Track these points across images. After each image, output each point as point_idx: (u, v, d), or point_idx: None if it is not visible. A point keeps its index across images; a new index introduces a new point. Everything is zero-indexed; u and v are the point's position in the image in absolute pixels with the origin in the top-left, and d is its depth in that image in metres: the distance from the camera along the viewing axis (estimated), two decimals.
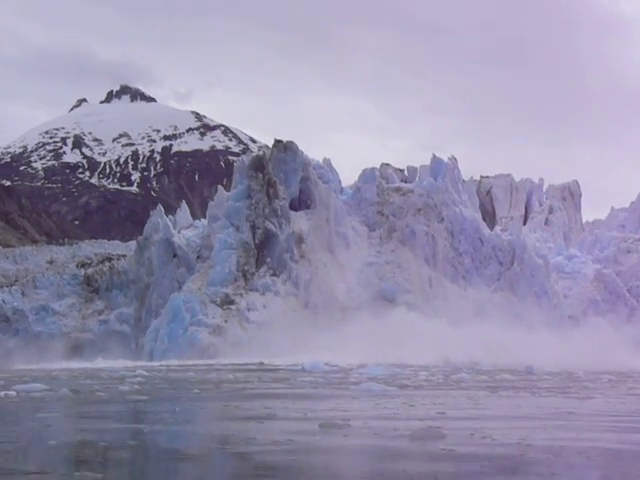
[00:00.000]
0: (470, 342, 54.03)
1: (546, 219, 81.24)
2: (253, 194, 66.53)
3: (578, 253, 76.36)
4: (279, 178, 68.03)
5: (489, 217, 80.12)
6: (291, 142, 69.81)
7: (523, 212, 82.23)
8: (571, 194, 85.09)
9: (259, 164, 67.49)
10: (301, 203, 69.74)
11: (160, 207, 75.37)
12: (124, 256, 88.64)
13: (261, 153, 68.88)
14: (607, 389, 29.32)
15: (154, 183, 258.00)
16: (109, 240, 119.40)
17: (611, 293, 73.02)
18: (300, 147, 70.33)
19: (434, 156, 75.40)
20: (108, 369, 44.54)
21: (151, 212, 79.59)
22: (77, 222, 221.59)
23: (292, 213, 67.97)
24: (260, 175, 66.97)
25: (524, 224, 79.67)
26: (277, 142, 69.69)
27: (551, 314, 69.35)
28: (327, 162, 73.67)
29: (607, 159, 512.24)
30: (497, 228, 76.61)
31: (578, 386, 30.34)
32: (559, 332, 66.52)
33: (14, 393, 21.89)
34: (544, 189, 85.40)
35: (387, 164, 79.02)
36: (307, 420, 16.21)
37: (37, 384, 24.31)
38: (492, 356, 50.41)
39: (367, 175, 73.22)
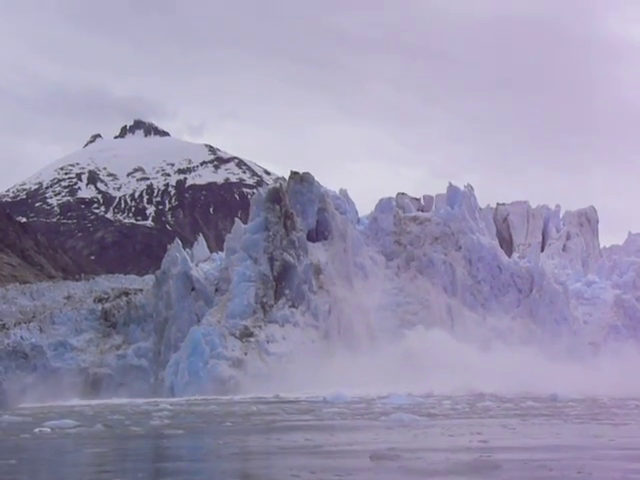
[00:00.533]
0: (493, 369, 53.79)
1: (564, 245, 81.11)
2: (270, 226, 66.71)
3: (597, 279, 76.15)
4: (296, 210, 68.24)
5: (506, 244, 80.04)
6: (307, 173, 70.12)
7: (540, 239, 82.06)
8: (588, 220, 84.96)
9: (276, 196, 67.75)
10: (318, 234, 69.89)
11: (178, 241, 75.63)
12: (141, 290, 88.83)
13: (278, 185, 69.12)
14: (637, 415, 29.14)
15: (169, 217, 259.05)
16: (125, 274, 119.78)
17: (631, 319, 72.72)
18: (315, 177, 70.68)
19: (450, 184, 75.62)
20: (129, 404, 44.50)
21: (168, 246, 79.89)
22: (93, 257, 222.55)
23: (309, 244, 68.12)
24: (277, 207, 67.19)
25: (542, 251, 79.51)
26: (293, 174, 70.00)
27: (571, 340, 69.07)
28: (344, 193, 73.91)
29: (623, 184, 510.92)
30: (515, 255, 76.53)
31: (607, 412, 30.14)
32: (580, 359, 66.26)
33: (48, 430, 21.92)
34: (561, 215, 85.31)
35: (403, 193, 79.17)
36: (355, 452, 16.16)
37: (67, 420, 24.31)
38: (516, 384, 50.12)
39: (384, 205, 73.41)
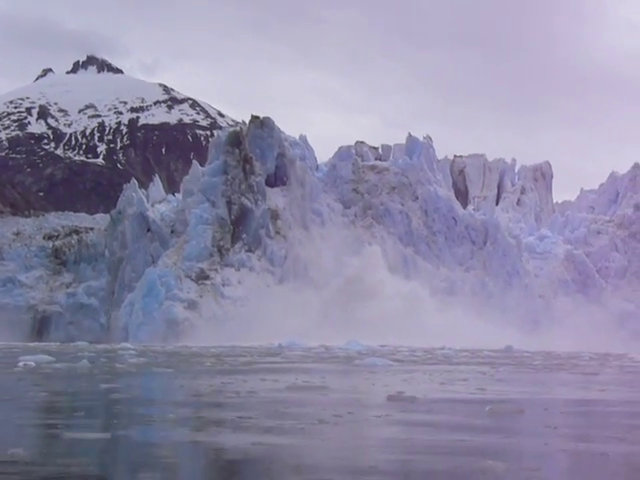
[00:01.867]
0: (445, 323, 54.83)
1: (518, 199, 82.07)
2: (229, 170, 66.50)
3: (549, 233, 77.25)
4: (255, 154, 68.06)
5: (461, 196, 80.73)
6: (268, 118, 69.85)
7: (495, 192, 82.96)
8: (543, 175, 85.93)
9: (236, 140, 67.46)
10: (277, 179, 69.85)
11: (134, 181, 75.20)
12: (92, 229, 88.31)
13: (238, 129, 68.77)
14: (597, 365, 29.93)
15: (120, 155, 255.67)
16: (75, 212, 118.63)
17: (581, 274, 74.01)
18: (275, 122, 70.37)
19: (410, 135, 75.84)
20: (87, 348, 44.17)
21: (124, 185, 79.36)
22: (42, 193, 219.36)
23: (268, 189, 68.08)
24: (236, 151, 66.96)
25: (496, 204, 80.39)
26: (254, 118, 69.64)
27: (522, 293, 70.22)
28: (303, 139, 73.81)
29: (578, 142, 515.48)
30: (470, 208, 77.27)
31: (567, 363, 30.93)
32: (531, 311, 67.70)
33: (32, 364, 21.90)
34: (516, 170, 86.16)
35: (362, 142, 79.30)
36: (366, 394, 16.37)
37: (44, 356, 24.33)
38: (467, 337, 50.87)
39: (343, 153, 73.50)
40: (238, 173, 66.42)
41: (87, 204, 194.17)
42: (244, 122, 70.27)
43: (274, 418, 11.50)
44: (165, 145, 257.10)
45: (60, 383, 18.16)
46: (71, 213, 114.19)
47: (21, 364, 21.44)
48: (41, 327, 78.02)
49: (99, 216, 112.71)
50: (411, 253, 70.00)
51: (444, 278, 69.41)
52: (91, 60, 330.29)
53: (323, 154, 76.50)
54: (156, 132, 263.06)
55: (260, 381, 18.81)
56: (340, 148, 74.04)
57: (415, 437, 9.94)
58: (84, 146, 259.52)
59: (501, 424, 11.56)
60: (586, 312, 70.91)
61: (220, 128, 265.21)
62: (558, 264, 73.81)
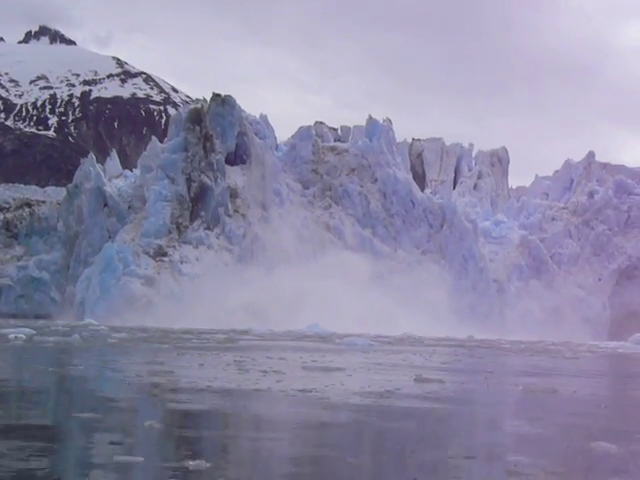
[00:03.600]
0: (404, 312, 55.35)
1: (475, 184, 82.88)
2: (189, 147, 66.20)
3: (505, 219, 78.17)
4: (216, 132, 67.81)
5: (419, 180, 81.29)
6: (229, 96, 69.58)
7: (453, 176, 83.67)
8: (499, 160, 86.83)
9: (196, 117, 67.14)
10: (237, 158, 69.72)
11: (92, 155, 74.58)
12: (43, 202, 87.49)
13: (199, 106, 68.35)
14: (567, 351, 30.50)
15: (72, 128, 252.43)
16: (25, 185, 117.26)
17: (535, 259, 75.05)
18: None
19: (370, 117, 76.10)
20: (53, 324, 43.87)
21: (81, 159, 78.69)
22: None
23: (227, 167, 67.92)
24: (197, 128, 66.65)
25: (453, 188, 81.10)
26: (215, 96, 69.33)
27: (477, 277, 71.07)
28: (264, 118, 73.68)
29: (533, 128, 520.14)
30: (427, 191, 77.84)
31: (534, 348, 31.48)
32: (485, 295, 68.60)
33: (23, 336, 21.87)
34: (473, 154, 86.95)
35: (321, 122, 79.38)
36: (386, 372, 16.75)
37: (26, 329, 24.26)
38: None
39: (303, 133, 73.55)
40: (198, 150, 66.15)
41: (37, 177, 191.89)
42: (205, 99, 69.88)
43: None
44: (118, 119, 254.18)
45: (99, 357, 18.35)
46: (21, 185, 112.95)
47: (12, 336, 21.37)
48: None
49: (50, 189, 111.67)
50: (369, 235, 70.36)
51: (401, 260, 69.92)
52: (43, 30, 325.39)
53: (277, 133, 75.88)
54: (109, 106, 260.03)
55: (275, 359, 19.10)
56: (300, 128, 74.08)
57: None
58: (35, 118, 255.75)
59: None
60: (539, 297, 72.11)
61: (173, 104, 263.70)
62: (513, 249, 74.78)
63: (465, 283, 70.06)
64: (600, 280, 76.96)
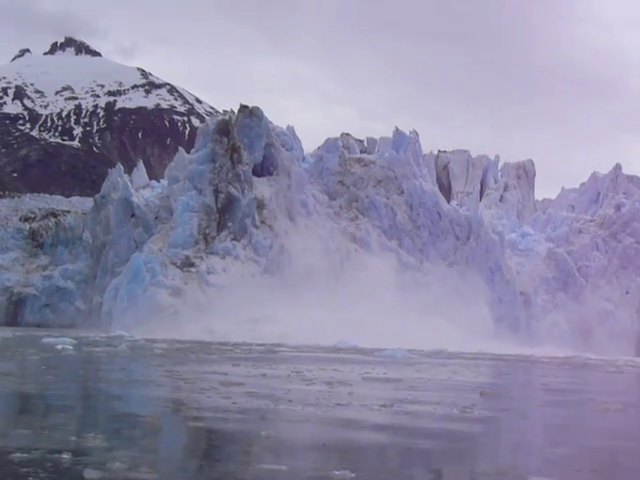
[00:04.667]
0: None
1: (501, 196, 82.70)
2: (217, 158, 66.49)
3: (531, 231, 77.93)
4: (243, 143, 68.06)
5: (445, 192, 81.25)
6: (257, 108, 69.85)
7: (479, 188, 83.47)
8: (525, 172, 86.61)
9: (224, 128, 67.45)
10: (264, 169, 69.90)
11: (120, 166, 74.97)
12: (68, 212, 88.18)
13: (227, 117, 68.63)
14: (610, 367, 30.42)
15: (96, 139, 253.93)
16: (50, 194, 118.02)
17: (562, 271, 74.75)
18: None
19: (397, 129, 76.19)
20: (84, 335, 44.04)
21: (108, 170, 79.14)
22: (16, 174, 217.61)
23: (254, 179, 68.12)
24: (225, 139, 66.96)
25: (479, 200, 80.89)
26: (243, 107, 69.62)
27: (504, 289, 70.86)
28: (291, 129, 73.90)
29: (559, 140, 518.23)
30: (453, 203, 77.73)
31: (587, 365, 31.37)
32: (512, 306, 68.37)
33: (70, 347, 22.08)
34: (499, 166, 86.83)
35: (348, 134, 79.53)
36: (448, 387, 16.78)
37: (67, 339, 24.46)
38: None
39: (330, 144, 73.72)
40: (226, 162, 66.42)
41: (62, 186, 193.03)
42: (232, 110, 70.17)
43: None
44: (142, 130, 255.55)
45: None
46: (47, 195, 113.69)
47: (59, 347, 21.57)
48: (16, 309, 77.87)
49: (75, 199, 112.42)
50: (395, 246, 70.30)
51: (427, 272, 69.79)
52: (69, 42, 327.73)
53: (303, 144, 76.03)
54: (133, 116, 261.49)
55: (328, 370, 19.25)
56: (327, 140, 74.30)
57: None
58: (60, 128, 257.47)
59: None
60: (566, 310, 71.80)
61: (197, 114, 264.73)
62: (540, 261, 74.50)
63: (492, 295, 69.82)
64: (628, 293, 76.50)
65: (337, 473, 6.80)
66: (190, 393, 13.69)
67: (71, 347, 21.91)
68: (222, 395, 13.02)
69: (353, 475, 6.78)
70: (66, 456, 7.28)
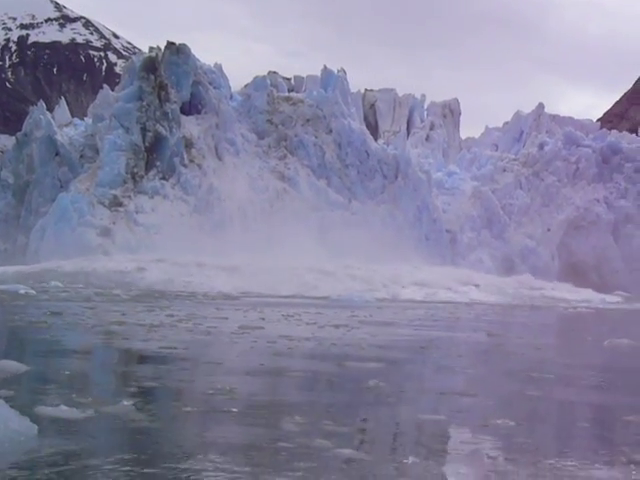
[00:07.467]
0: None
1: (427, 135, 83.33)
2: (144, 96, 65.34)
3: (457, 170, 78.91)
4: (170, 81, 67.03)
5: (372, 130, 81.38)
6: (184, 45, 68.74)
7: (405, 127, 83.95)
8: (451, 111, 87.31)
9: (151, 65, 66.26)
10: (192, 108, 69.04)
11: (42, 103, 73.11)
12: None
13: (153, 54, 67.31)
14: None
15: (9, 74, 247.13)
16: None
17: (486, 210, 76.06)
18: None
19: (325, 67, 75.81)
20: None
21: (30, 107, 77.20)
22: None
23: (182, 117, 67.29)
24: (152, 77, 65.82)
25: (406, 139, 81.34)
26: (170, 44, 68.40)
27: (430, 227, 71.87)
28: (218, 67, 72.83)
29: (484, 81, 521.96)
30: (380, 142, 78.05)
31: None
32: (438, 245, 69.52)
33: (33, 291, 21.78)
34: (425, 106, 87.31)
35: (275, 72, 78.89)
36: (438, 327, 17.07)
37: (20, 285, 24.12)
38: None
39: (258, 83, 72.98)
40: (153, 100, 65.39)
41: None
42: (159, 47, 68.84)
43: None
44: (57, 65, 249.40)
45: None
46: None
47: (22, 291, 21.28)
48: None
49: None
50: (324, 186, 70.48)
51: (355, 211, 70.26)
52: None
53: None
54: (47, 51, 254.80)
55: (312, 314, 19.49)
56: (255, 78, 73.52)
57: None
58: None
59: None
60: (490, 247, 73.29)
61: (114, 50, 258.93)
62: (465, 200, 75.62)
63: (419, 233, 70.80)
64: (549, 230, 78.37)
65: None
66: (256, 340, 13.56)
67: (35, 292, 21.68)
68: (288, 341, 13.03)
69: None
70: None
